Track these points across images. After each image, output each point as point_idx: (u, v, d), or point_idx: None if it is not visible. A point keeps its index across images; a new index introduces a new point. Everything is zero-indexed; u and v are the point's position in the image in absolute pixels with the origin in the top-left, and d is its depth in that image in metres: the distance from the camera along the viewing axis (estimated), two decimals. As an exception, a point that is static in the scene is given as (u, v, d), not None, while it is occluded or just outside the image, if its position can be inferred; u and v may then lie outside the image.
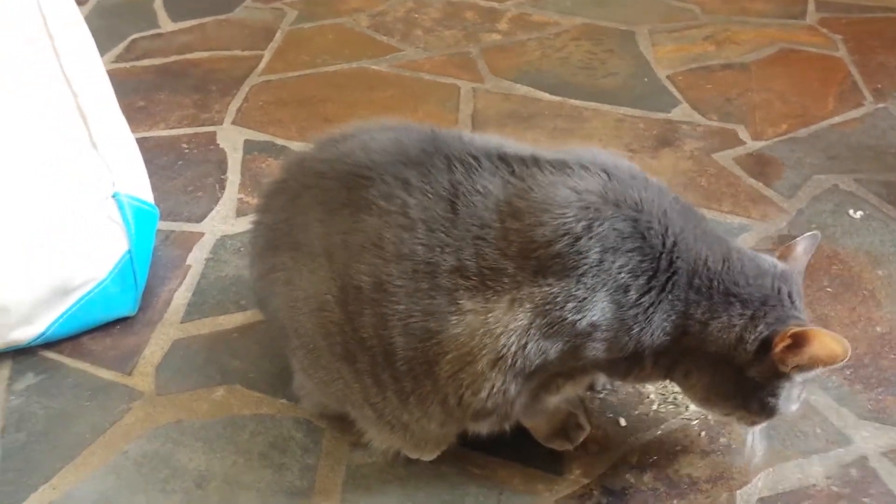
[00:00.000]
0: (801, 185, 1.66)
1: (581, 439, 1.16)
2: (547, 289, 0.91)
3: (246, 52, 2.19)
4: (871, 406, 1.21)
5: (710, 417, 1.19)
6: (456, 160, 0.97)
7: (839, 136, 1.80)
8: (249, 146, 1.80)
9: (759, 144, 1.78)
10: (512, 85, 2.03)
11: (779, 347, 0.94)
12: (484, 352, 0.92)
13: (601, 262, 0.91)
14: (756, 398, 1.00)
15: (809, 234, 1.08)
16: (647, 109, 1.91)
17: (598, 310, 0.91)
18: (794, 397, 1.01)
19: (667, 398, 1.22)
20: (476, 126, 1.86)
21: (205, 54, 2.20)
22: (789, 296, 0.98)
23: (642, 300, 0.93)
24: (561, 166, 0.97)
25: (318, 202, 1.01)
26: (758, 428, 1.07)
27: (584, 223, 0.91)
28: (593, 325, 0.92)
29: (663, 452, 1.16)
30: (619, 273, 0.92)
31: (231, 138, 1.83)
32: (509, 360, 0.92)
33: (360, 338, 0.97)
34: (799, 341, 0.93)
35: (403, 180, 0.96)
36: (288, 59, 2.15)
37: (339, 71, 2.10)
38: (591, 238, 0.91)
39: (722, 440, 1.17)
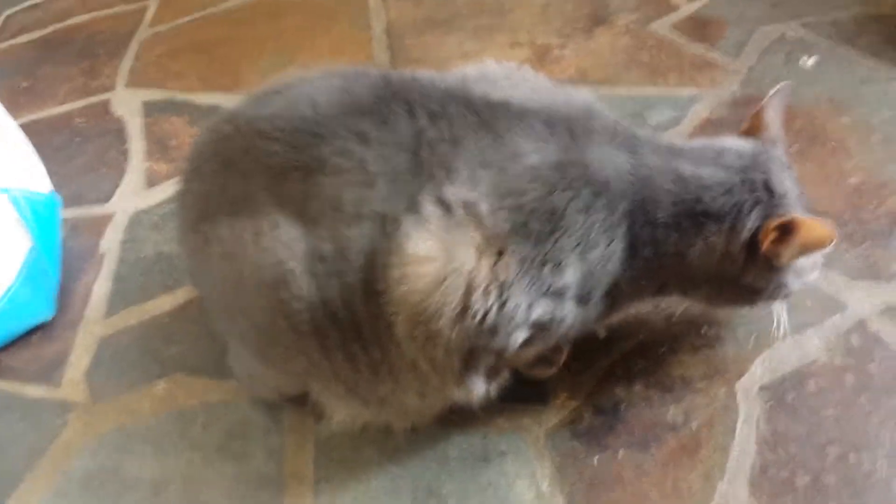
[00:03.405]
0: (747, 40, 1.54)
1: (562, 360, 1.06)
2: (525, 248, 0.83)
3: (130, 6, 2.01)
4: (860, 263, 1.13)
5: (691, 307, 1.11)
6: (418, 105, 0.87)
7: (778, -20, 1.67)
8: (149, 107, 1.64)
9: (695, 5, 1.66)
10: (423, -12, 1.87)
11: (766, 244, 0.88)
12: (446, 307, 0.81)
13: (575, 222, 0.84)
14: (763, 292, 0.94)
15: (776, 89, 0.99)
16: (572, -12, 1.77)
17: (572, 269, 0.85)
18: (806, 269, 0.96)
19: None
20: (393, 40, 1.71)
21: (86, 17, 2.01)
22: (765, 185, 0.90)
23: (606, 253, 0.87)
24: (524, 118, 0.88)
25: (260, 166, 0.88)
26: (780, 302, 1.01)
27: (552, 184, 0.84)
28: (566, 285, 0.85)
29: (650, 357, 1.07)
30: (590, 232, 0.85)
31: (127, 103, 1.66)
32: (479, 316, 0.82)
33: (331, 312, 0.86)
34: (785, 231, 0.87)
35: (359, 133, 0.85)
36: (176, 4, 1.97)
37: (236, 6, 1.92)
38: (563, 198, 0.84)
39: (710, 332, 1.09)
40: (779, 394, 1.01)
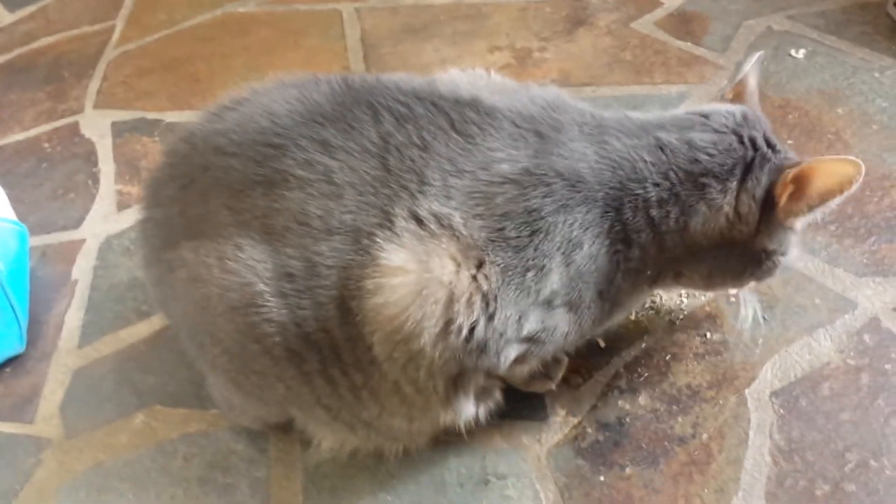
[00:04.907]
0: (733, 35, 1.50)
1: (561, 374, 1.01)
2: (506, 256, 0.78)
3: (96, 26, 1.93)
4: (867, 260, 1.08)
5: (693, 312, 1.06)
6: (383, 108, 0.82)
7: (759, -27, 1.64)
8: (118, 128, 1.57)
9: (677, 2, 1.62)
10: (398, -4, 1.82)
11: (783, 200, 0.82)
12: (426, 322, 0.76)
13: (555, 223, 0.79)
14: (767, 262, 0.88)
15: (754, 57, 0.93)
16: (550, -10, 1.73)
17: (557, 274, 0.80)
18: (799, 243, 0.90)
19: (643, 303, 1.08)
20: (368, 50, 1.65)
21: (51, 39, 1.93)
22: (766, 141, 0.84)
23: (592, 251, 0.81)
24: (494, 118, 0.83)
25: (220, 184, 0.83)
26: (749, 288, 0.95)
27: (524, 185, 0.80)
28: (554, 292, 0.80)
29: (653, 366, 1.02)
30: (571, 231, 0.80)
31: (96, 124, 1.59)
32: (464, 332, 0.77)
33: (305, 333, 0.80)
34: (801, 182, 0.81)
35: (322, 142, 0.81)
36: (143, 22, 1.90)
37: (203, 23, 1.85)
38: (536, 195, 0.79)
39: (715, 336, 1.04)
40: (791, 399, 0.96)
